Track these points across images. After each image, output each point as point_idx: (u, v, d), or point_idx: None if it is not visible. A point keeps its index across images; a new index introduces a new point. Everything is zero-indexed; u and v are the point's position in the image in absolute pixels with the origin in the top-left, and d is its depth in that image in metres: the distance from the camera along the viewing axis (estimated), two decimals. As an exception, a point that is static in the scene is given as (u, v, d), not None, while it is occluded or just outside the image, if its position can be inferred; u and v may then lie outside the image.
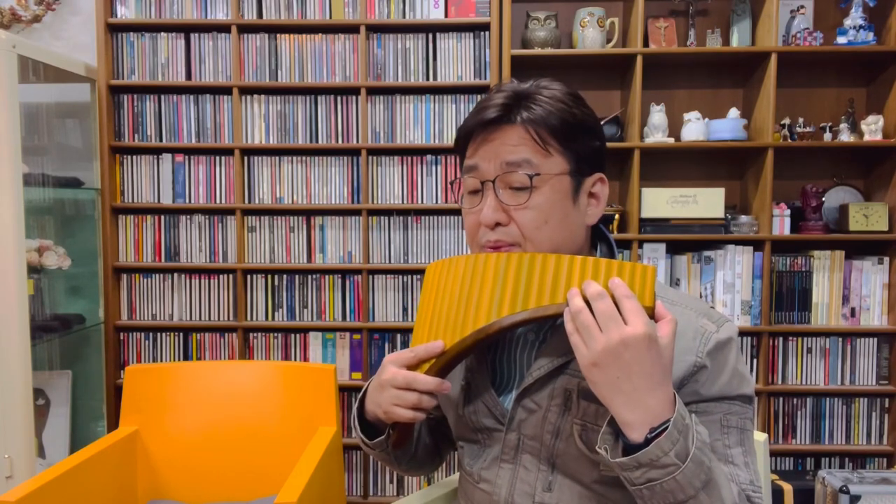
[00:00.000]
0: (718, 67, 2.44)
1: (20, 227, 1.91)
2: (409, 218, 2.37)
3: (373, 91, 2.33)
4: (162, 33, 2.34)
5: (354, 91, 2.34)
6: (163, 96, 2.36)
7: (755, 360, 2.33)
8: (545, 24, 2.32)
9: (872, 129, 2.26)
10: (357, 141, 2.34)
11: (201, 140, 2.36)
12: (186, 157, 2.38)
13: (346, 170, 2.37)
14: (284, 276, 2.39)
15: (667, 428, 0.68)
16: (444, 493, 1.14)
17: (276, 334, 2.39)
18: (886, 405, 2.33)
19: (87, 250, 2.38)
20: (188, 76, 2.35)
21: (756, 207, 2.33)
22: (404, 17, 2.31)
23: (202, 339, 2.40)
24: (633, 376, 0.68)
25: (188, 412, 1.81)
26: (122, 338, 2.40)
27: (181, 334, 2.40)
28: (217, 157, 2.37)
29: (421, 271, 2.37)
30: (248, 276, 2.39)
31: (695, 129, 2.28)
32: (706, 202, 2.28)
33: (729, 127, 2.27)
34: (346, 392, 2.41)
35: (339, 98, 2.35)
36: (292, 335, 2.39)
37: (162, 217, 2.39)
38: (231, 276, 2.39)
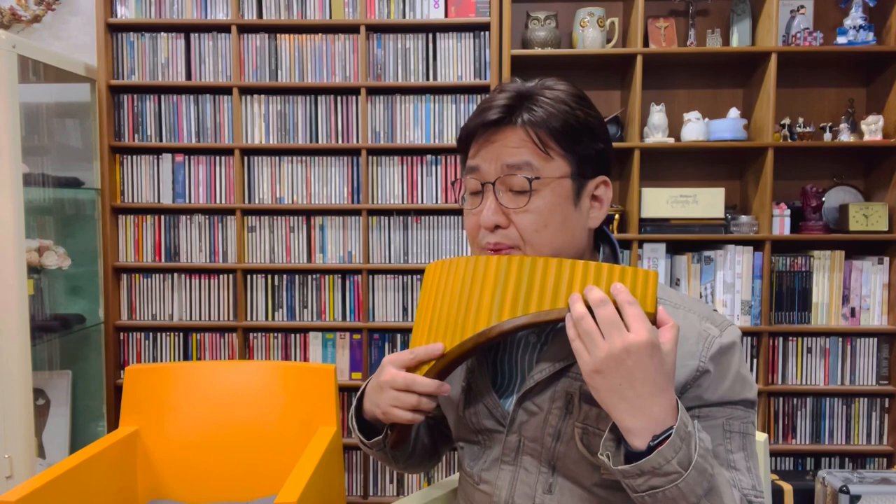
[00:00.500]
0: (718, 67, 2.44)
1: (20, 227, 1.91)
2: (409, 218, 2.37)
3: (373, 91, 2.33)
4: (162, 33, 2.34)
5: (354, 91, 2.34)
6: (163, 96, 2.36)
7: (755, 360, 2.33)
8: (545, 24, 2.32)
9: (872, 129, 2.26)
10: (357, 141, 2.34)
11: (201, 140, 2.36)
12: (186, 157, 2.38)
13: (346, 170, 2.37)
14: (284, 276, 2.39)
15: (669, 435, 0.67)
16: (444, 494, 1.14)
17: (276, 334, 2.39)
18: (886, 405, 2.33)
19: (87, 250, 2.38)
20: (188, 76, 2.35)
21: (756, 207, 2.33)
22: (404, 17, 2.31)
23: (202, 339, 2.40)
24: (636, 383, 0.68)
25: (188, 412, 1.81)
26: (122, 338, 2.40)
27: (181, 334, 2.40)
28: (217, 157, 2.37)
29: (421, 271, 2.37)
30: (248, 276, 2.39)
31: (695, 129, 2.28)
32: (706, 202, 2.28)
33: (729, 127, 2.27)
34: (346, 392, 2.41)
35: (339, 98, 2.35)
36: (292, 335, 2.39)
37: (162, 217, 2.39)
38: (231, 276, 2.39)
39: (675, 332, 0.71)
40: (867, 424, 2.33)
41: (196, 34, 2.34)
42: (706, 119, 2.32)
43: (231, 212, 2.37)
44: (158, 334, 2.40)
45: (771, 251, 2.27)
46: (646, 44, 2.32)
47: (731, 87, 2.46)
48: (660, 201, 2.29)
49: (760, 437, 1.17)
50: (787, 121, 2.38)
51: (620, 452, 0.72)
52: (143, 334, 2.40)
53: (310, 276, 2.39)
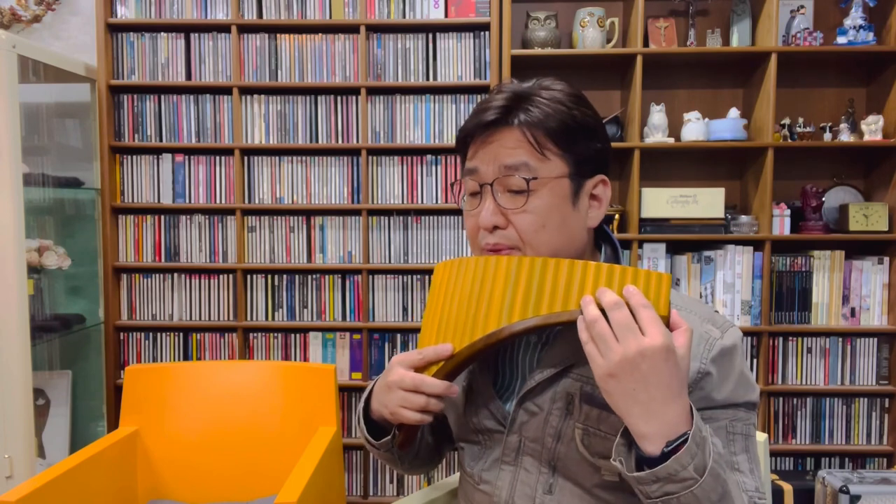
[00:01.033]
0: (718, 67, 2.44)
1: (20, 227, 1.91)
2: (409, 218, 2.37)
3: (373, 91, 2.33)
4: (162, 33, 2.34)
5: (354, 91, 2.34)
6: (163, 96, 2.36)
7: (755, 360, 2.33)
8: (545, 24, 2.32)
9: (872, 129, 2.26)
10: (357, 141, 2.34)
11: (201, 140, 2.36)
12: (186, 157, 2.38)
13: (346, 170, 2.37)
14: (284, 276, 2.39)
15: (684, 441, 0.67)
16: (444, 494, 1.14)
17: (276, 334, 2.39)
18: (886, 405, 2.33)
19: (87, 250, 2.38)
20: (188, 76, 2.35)
21: (756, 207, 2.33)
22: (404, 17, 2.31)
23: (202, 339, 2.40)
24: (650, 388, 0.67)
25: (188, 412, 1.81)
26: (122, 338, 2.39)
27: (181, 334, 2.40)
28: (217, 157, 2.37)
29: (421, 271, 2.37)
30: (248, 276, 2.39)
31: (695, 129, 2.28)
32: (706, 202, 2.28)
33: (729, 127, 2.27)
34: (346, 392, 2.41)
35: (339, 98, 2.35)
36: (292, 335, 2.39)
37: (162, 217, 2.39)
38: (231, 276, 2.39)
39: (689, 335, 0.71)
40: (867, 424, 2.33)
41: (196, 34, 2.34)
42: (706, 119, 2.32)
43: (231, 212, 2.37)
44: (158, 334, 2.40)
45: (771, 251, 2.27)
46: (646, 44, 2.32)
47: (731, 87, 2.46)
48: (660, 201, 2.29)
49: (760, 437, 1.17)
50: (787, 121, 2.38)
51: (632, 457, 0.71)
52: (143, 334, 2.40)
53: (310, 276, 2.39)
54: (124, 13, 2.33)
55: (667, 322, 0.71)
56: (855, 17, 2.24)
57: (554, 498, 0.84)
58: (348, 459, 2.40)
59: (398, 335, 2.39)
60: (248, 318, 2.39)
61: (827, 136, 2.34)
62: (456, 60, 2.32)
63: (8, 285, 1.89)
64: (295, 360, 2.39)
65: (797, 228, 2.32)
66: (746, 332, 2.29)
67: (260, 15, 2.33)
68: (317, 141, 2.36)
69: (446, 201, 2.35)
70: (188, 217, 2.39)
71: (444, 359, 0.80)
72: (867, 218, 2.27)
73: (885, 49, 2.23)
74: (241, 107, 2.34)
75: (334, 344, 2.38)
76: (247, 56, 2.34)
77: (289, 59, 2.34)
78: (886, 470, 2.25)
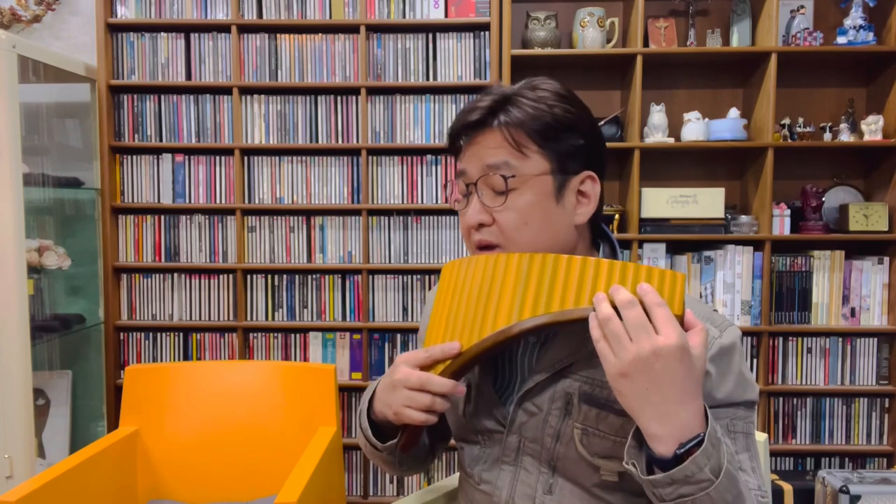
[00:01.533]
0: (718, 67, 2.44)
1: (20, 227, 1.91)
2: (409, 218, 2.37)
3: (373, 91, 2.33)
4: (162, 33, 2.34)
5: (354, 91, 2.34)
6: (163, 96, 2.36)
7: (755, 360, 2.33)
8: (545, 24, 2.32)
9: (872, 129, 2.26)
10: (357, 141, 2.34)
11: (201, 140, 2.36)
12: (186, 157, 2.38)
13: (346, 170, 2.37)
14: (284, 276, 2.39)
15: (699, 442, 0.66)
16: (444, 494, 1.14)
17: (276, 334, 2.39)
18: (886, 405, 2.33)
19: (87, 250, 2.38)
20: (188, 76, 2.35)
21: (756, 207, 2.33)
22: (404, 17, 2.31)
23: (202, 339, 2.40)
24: (664, 388, 0.66)
25: (188, 412, 1.81)
26: (122, 338, 2.40)
27: (181, 334, 2.40)
28: (217, 157, 2.37)
29: (421, 271, 2.37)
30: (248, 276, 2.39)
31: (695, 129, 2.28)
32: (706, 202, 2.28)
33: (729, 127, 2.27)
34: (346, 392, 2.41)
35: (339, 98, 2.35)
36: (292, 335, 2.39)
37: (162, 217, 2.39)
38: (231, 276, 2.39)
39: (704, 335, 0.70)
40: (867, 424, 2.33)
41: (196, 34, 2.34)
42: (706, 119, 2.32)
43: (231, 212, 2.37)
44: (158, 334, 2.40)
45: (771, 251, 2.27)
46: (646, 44, 2.32)
47: (731, 87, 2.46)
48: (660, 201, 2.29)
49: (760, 437, 1.17)
50: (787, 121, 2.38)
51: (643, 458, 0.70)
52: (143, 334, 2.40)
53: (310, 276, 2.39)
54: (124, 13, 2.33)
55: (681, 321, 0.69)
56: (855, 17, 2.24)
57: (554, 498, 0.84)
58: (348, 459, 2.40)
59: (398, 335, 2.39)
60: (248, 318, 2.39)
61: (827, 136, 2.34)
62: (456, 60, 2.32)
63: (8, 285, 1.89)
64: (295, 360, 2.39)
65: (797, 228, 2.32)
66: (746, 332, 2.29)
67: (260, 15, 2.33)
68: (317, 141, 2.36)
69: (446, 201, 2.35)
70: (188, 217, 2.39)
71: (451, 357, 0.78)
72: (867, 218, 2.27)
73: (885, 49, 2.23)
74: (241, 107, 2.34)
75: (334, 344, 2.38)
76: (247, 56, 2.34)
77: (289, 59, 2.34)
78: (886, 470, 2.25)
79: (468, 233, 0.87)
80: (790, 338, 2.33)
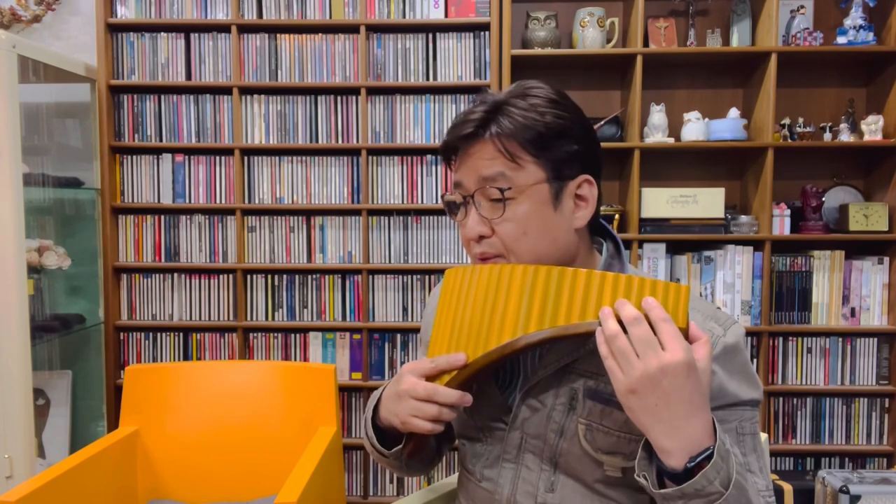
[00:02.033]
0: (718, 67, 2.44)
1: (20, 227, 1.91)
2: (409, 218, 2.37)
3: (373, 91, 2.33)
4: (162, 33, 2.34)
5: (354, 91, 2.34)
6: (163, 96, 2.36)
7: (755, 360, 2.33)
8: (545, 24, 2.32)
9: (872, 129, 2.26)
10: (357, 141, 2.34)
11: (201, 140, 2.36)
12: (186, 157, 2.38)
13: (346, 170, 2.37)
14: (284, 276, 2.39)
15: (709, 455, 0.67)
16: (444, 494, 1.14)
17: (276, 334, 2.39)
18: (886, 405, 2.33)
19: (87, 250, 2.38)
20: (188, 76, 2.35)
21: (756, 207, 2.33)
22: (404, 17, 2.31)
23: (202, 339, 2.40)
24: (672, 403, 0.67)
25: (188, 412, 1.81)
26: (122, 338, 2.39)
27: (181, 334, 2.40)
28: (217, 157, 2.37)
29: (421, 271, 2.37)
30: (248, 276, 2.39)
31: (695, 129, 2.28)
32: (706, 202, 2.28)
33: (729, 127, 2.27)
34: (346, 392, 2.41)
35: (339, 98, 2.35)
36: (292, 335, 2.39)
37: (162, 217, 2.39)
38: (231, 276, 2.39)
39: (709, 347, 0.70)
40: (867, 424, 2.33)
41: (196, 34, 2.34)
42: (706, 119, 2.32)
43: (231, 212, 2.37)
44: (158, 334, 2.40)
45: (771, 251, 2.27)
46: (646, 44, 2.32)
47: (731, 87, 2.46)
48: (660, 201, 2.29)
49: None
50: (787, 121, 2.38)
51: (653, 469, 0.71)
52: (143, 334, 2.40)
53: (310, 276, 2.39)
54: (124, 13, 2.33)
55: (686, 333, 0.70)
56: (855, 17, 2.24)
57: (556, 495, 0.84)
58: (348, 459, 2.40)
59: (398, 335, 2.39)
60: (248, 318, 2.39)
61: (827, 136, 2.34)
62: (456, 60, 2.32)
63: (8, 285, 1.89)
64: (295, 360, 2.39)
65: (797, 228, 2.32)
66: (746, 333, 2.28)
67: (260, 15, 2.33)
68: (317, 141, 2.36)
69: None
70: (188, 217, 2.39)
71: (457, 368, 0.79)
72: (867, 218, 2.27)
73: (885, 49, 2.23)
74: (241, 107, 2.34)
75: (334, 344, 2.38)
76: (247, 56, 2.34)
77: (289, 59, 2.34)
78: (886, 470, 2.25)
79: (469, 244, 0.88)
80: (790, 338, 2.33)
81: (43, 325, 2.16)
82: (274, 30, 2.33)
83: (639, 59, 2.22)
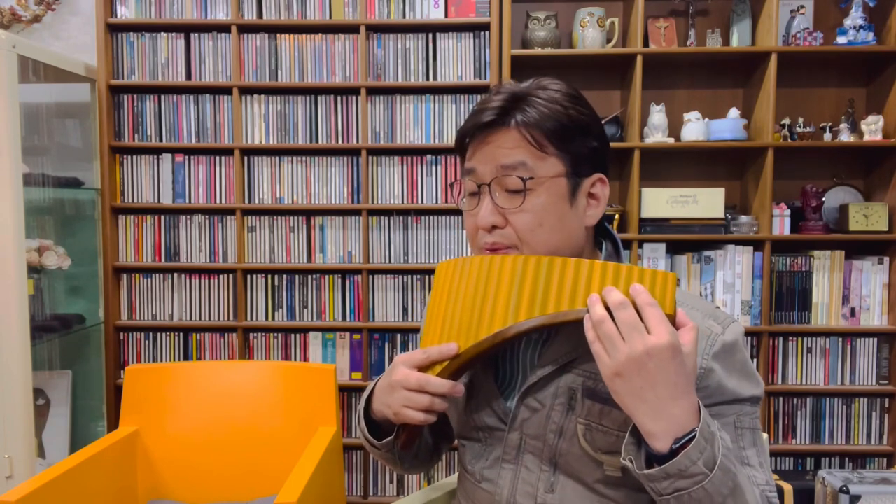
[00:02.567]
0: (718, 67, 2.44)
1: (20, 227, 1.91)
2: (409, 218, 2.37)
3: (373, 91, 2.33)
4: (162, 33, 2.34)
5: (354, 91, 2.34)
6: (163, 96, 2.36)
7: (755, 360, 2.33)
8: (545, 24, 2.32)
9: (872, 129, 2.26)
10: (357, 141, 2.34)
11: (201, 140, 2.36)
12: (186, 157, 2.38)
13: (346, 170, 2.37)
14: (284, 276, 2.39)
15: (692, 437, 0.67)
16: (444, 494, 1.14)
17: (276, 334, 2.39)
18: (886, 405, 2.33)
19: (87, 250, 2.38)
20: (188, 76, 2.35)
21: (756, 207, 2.33)
22: (404, 17, 2.31)
23: (202, 339, 2.40)
24: (657, 386, 0.68)
25: (188, 412, 1.81)
26: (122, 338, 2.39)
27: (181, 334, 2.40)
28: (217, 157, 2.37)
29: (421, 271, 2.37)
30: (248, 276, 2.39)
31: (695, 129, 2.28)
32: (706, 202, 2.28)
33: (729, 127, 2.27)
34: (346, 392, 2.41)
35: (339, 98, 2.35)
36: (292, 335, 2.39)
37: (162, 217, 2.39)
38: (231, 276, 2.39)
39: (695, 333, 0.71)
40: (867, 424, 2.33)
41: (196, 34, 2.34)
42: (706, 119, 2.32)
43: (231, 212, 2.37)
44: (158, 334, 2.40)
45: (771, 251, 2.27)
46: (646, 44, 2.32)
47: (731, 87, 2.46)
48: (660, 201, 2.29)
49: (762, 434, 1.17)
50: (787, 121, 2.38)
51: (641, 455, 0.72)
52: (143, 334, 2.40)
53: (310, 276, 2.39)
54: (124, 13, 2.33)
55: (673, 320, 0.71)
56: (855, 17, 2.24)
57: (556, 496, 0.84)
58: (348, 459, 2.40)
59: (398, 335, 2.39)
60: (248, 318, 2.39)
61: (827, 136, 2.34)
62: (456, 60, 2.32)
63: (8, 285, 1.89)
64: (295, 360, 2.39)
65: (797, 228, 2.32)
66: (746, 333, 2.29)
67: (260, 15, 2.33)
68: (317, 141, 2.36)
69: (446, 201, 2.35)
70: (188, 217, 2.39)
71: (449, 358, 0.80)
72: (867, 218, 2.27)
73: (885, 49, 2.23)
74: (241, 107, 2.34)
75: (334, 344, 2.38)
76: (247, 56, 2.34)
77: (289, 59, 2.34)
78: (886, 470, 2.25)
79: (476, 233, 0.87)
80: (790, 338, 2.33)
81: (43, 325, 2.16)
82: (274, 30, 2.33)
83: (639, 59, 2.22)
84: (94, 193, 2.38)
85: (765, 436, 1.20)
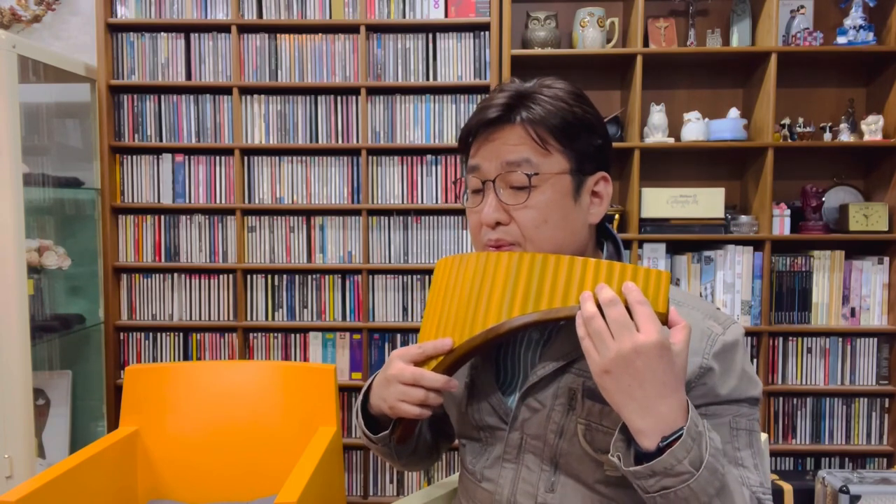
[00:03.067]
0: (718, 67, 2.44)
1: (20, 227, 1.91)
2: (409, 218, 2.37)
3: (373, 91, 2.33)
4: (162, 33, 2.34)
5: (354, 91, 2.34)
6: (163, 96, 2.36)
7: (755, 360, 2.33)
8: (545, 24, 2.32)
9: (872, 129, 2.26)
10: (357, 141, 2.34)
11: (201, 140, 2.36)
12: (186, 157, 2.38)
13: (346, 170, 2.37)
14: (284, 276, 2.39)
15: (680, 436, 0.68)
16: (445, 493, 1.14)
17: (276, 334, 2.39)
18: (886, 405, 2.33)
19: (87, 250, 2.38)
20: (188, 76, 2.35)
21: (756, 207, 2.33)
22: (404, 17, 2.31)
23: (202, 339, 2.40)
24: (646, 384, 0.68)
25: (188, 412, 1.81)
26: (122, 338, 2.39)
27: (181, 334, 2.40)
28: (217, 157, 2.37)
29: (421, 271, 2.37)
30: (248, 276, 2.39)
31: (695, 129, 2.28)
32: (706, 202, 2.28)
33: (729, 127, 2.27)
34: (346, 392, 2.41)
35: (339, 98, 2.35)
36: (292, 335, 2.39)
37: (162, 217, 2.39)
38: (231, 276, 2.39)
39: (687, 332, 0.71)
40: (867, 424, 2.33)
41: (196, 34, 2.34)
42: (706, 119, 2.32)
43: (231, 212, 2.37)
44: (158, 334, 2.40)
45: (771, 251, 2.27)
46: (646, 44, 2.32)
47: (731, 87, 2.46)
48: (660, 201, 2.29)
49: (761, 436, 1.17)
50: (787, 121, 2.38)
51: (630, 452, 0.72)
52: (143, 334, 2.40)
53: (310, 276, 2.39)
54: (124, 13, 2.33)
55: (666, 319, 0.71)
56: (855, 17, 2.24)
57: (556, 496, 0.84)
58: (348, 459, 2.40)
59: (398, 335, 2.39)
60: (248, 318, 2.39)
61: (827, 136, 2.34)
62: (456, 60, 2.32)
63: (8, 285, 1.89)
64: (295, 360, 2.39)
65: (797, 228, 2.32)
66: (746, 333, 2.28)
67: (260, 15, 2.33)
68: (317, 141, 2.36)
69: (446, 201, 2.35)
70: (188, 217, 2.39)
71: (443, 353, 0.80)
72: (867, 218, 2.27)
73: (885, 49, 2.23)
74: (241, 107, 2.34)
75: (334, 344, 2.38)
76: (247, 56, 2.34)
77: (289, 59, 2.34)
78: (886, 470, 2.25)
79: (479, 230, 0.87)
80: (790, 338, 2.33)
81: (43, 325, 2.16)
82: (274, 30, 2.33)
83: (639, 59, 2.22)
84: (94, 193, 2.38)
85: (764, 436, 1.20)
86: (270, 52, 2.34)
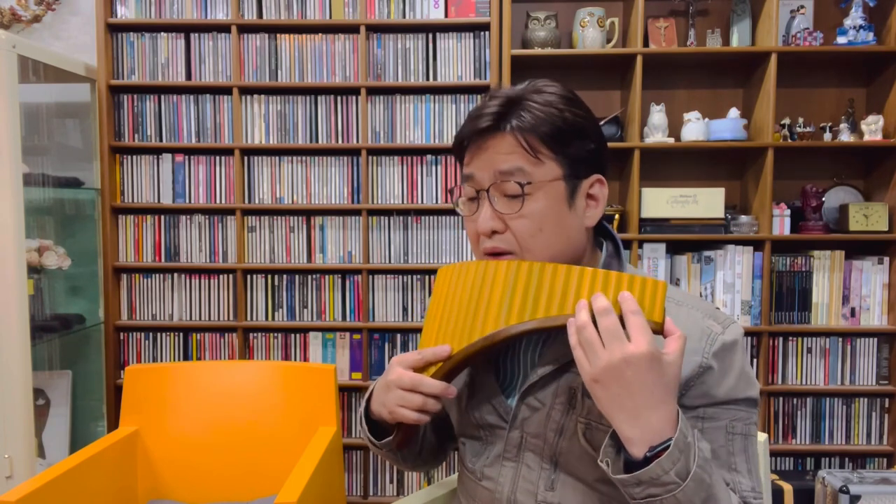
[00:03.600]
0: (718, 67, 2.44)
1: (20, 227, 1.91)
2: (409, 218, 2.37)
3: (373, 91, 2.33)
4: (162, 33, 2.34)
5: (354, 91, 2.34)
6: (163, 96, 2.36)
7: (755, 360, 2.33)
8: (545, 24, 2.32)
9: (872, 129, 2.26)
10: (357, 141, 2.34)
11: (201, 140, 2.36)
12: (186, 157, 2.38)
13: (346, 170, 2.37)
14: (284, 276, 2.39)
15: (668, 446, 0.68)
16: (445, 493, 1.14)
17: (276, 334, 2.39)
18: (886, 405, 2.33)
19: (87, 250, 2.38)
20: (188, 76, 2.35)
21: (756, 207, 2.33)
22: (404, 17, 2.31)
23: (202, 339, 2.40)
24: (635, 394, 0.68)
25: (188, 412, 1.81)
26: (122, 338, 2.39)
27: (181, 334, 2.40)
28: (217, 157, 2.37)
29: (421, 271, 2.38)
30: (248, 276, 2.39)
31: (695, 129, 2.28)
32: (706, 202, 2.28)
33: (729, 127, 2.27)
34: (346, 392, 2.41)
35: (339, 98, 2.35)
36: (292, 335, 2.39)
37: (162, 217, 2.39)
38: (231, 276, 2.39)
39: (682, 342, 0.71)
40: (867, 424, 2.33)
41: (196, 34, 2.34)
42: (706, 119, 2.32)
43: (231, 212, 2.37)
44: (158, 334, 2.40)
45: (771, 251, 2.27)
46: (646, 44, 2.32)
47: (731, 87, 2.46)
48: (660, 201, 2.29)
49: (760, 437, 1.17)
50: (787, 121, 2.38)
51: (620, 459, 0.73)
52: (143, 334, 2.40)
53: (310, 276, 2.39)
54: (124, 13, 2.33)
55: (661, 328, 0.72)
56: (855, 17, 2.24)
57: (556, 494, 0.85)
58: (348, 459, 2.40)
59: (398, 335, 2.39)
60: (248, 318, 2.39)
61: (827, 136, 2.34)
62: (456, 60, 2.32)
63: (8, 285, 1.89)
64: (295, 360, 2.39)
65: (797, 228, 2.32)
66: (746, 332, 2.29)
67: (260, 15, 2.33)
68: (317, 141, 2.36)
69: (446, 201, 2.35)
70: (188, 217, 2.39)
71: (442, 359, 0.81)
72: (867, 218, 2.27)
73: (885, 49, 2.23)
74: (241, 107, 2.34)
75: (334, 344, 2.38)
76: (247, 56, 2.34)
77: (289, 59, 2.34)
78: (886, 470, 2.25)
79: (477, 238, 0.88)
80: (790, 338, 2.33)
81: (43, 325, 2.16)
82: (274, 30, 2.33)
83: (639, 59, 2.22)
84: (94, 193, 2.38)
85: (764, 436, 1.20)
86: (270, 52, 2.34)
